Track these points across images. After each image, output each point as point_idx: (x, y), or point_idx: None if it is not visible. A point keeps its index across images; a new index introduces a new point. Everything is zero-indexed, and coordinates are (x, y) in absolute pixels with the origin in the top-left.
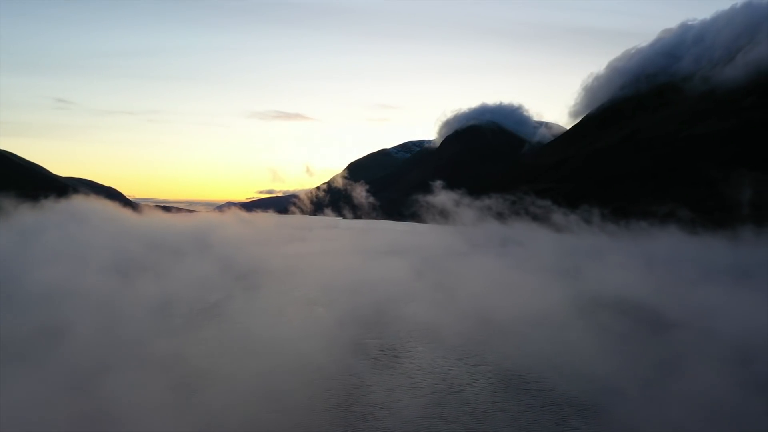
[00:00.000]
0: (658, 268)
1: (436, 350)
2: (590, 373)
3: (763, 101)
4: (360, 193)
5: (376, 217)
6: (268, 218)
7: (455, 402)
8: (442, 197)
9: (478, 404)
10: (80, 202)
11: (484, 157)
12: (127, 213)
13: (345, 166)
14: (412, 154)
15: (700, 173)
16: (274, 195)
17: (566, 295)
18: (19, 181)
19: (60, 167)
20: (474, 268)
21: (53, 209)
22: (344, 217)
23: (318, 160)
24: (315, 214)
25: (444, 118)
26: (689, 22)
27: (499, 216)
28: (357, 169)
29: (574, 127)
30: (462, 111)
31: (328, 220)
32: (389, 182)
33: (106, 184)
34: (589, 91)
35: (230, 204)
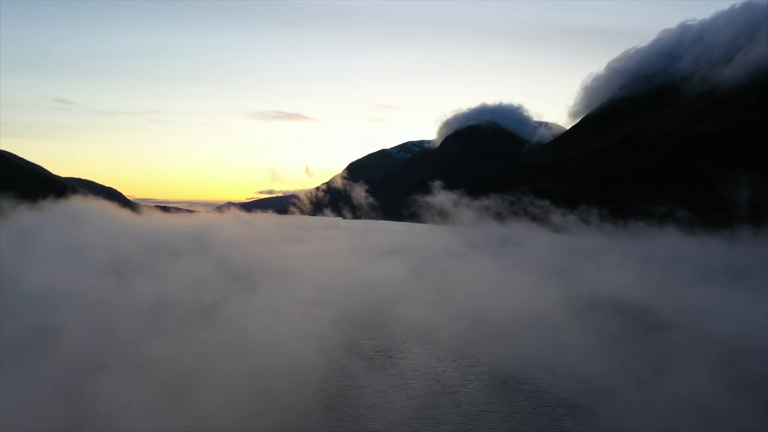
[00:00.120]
0: (656, 268)
1: (431, 351)
2: (584, 374)
3: (762, 101)
4: (359, 193)
5: (376, 218)
6: (268, 218)
7: (448, 403)
8: (441, 197)
9: (471, 406)
10: (79, 202)
11: (484, 157)
12: (125, 213)
13: (345, 166)
14: (411, 154)
15: (699, 173)
16: (273, 195)
17: (563, 296)
18: (18, 182)
19: (60, 167)
20: (472, 268)
21: (51, 210)
22: (344, 217)
23: (318, 161)
24: (314, 215)
25: (444, 118)
26: (688, 23)
27: (498, 216)
28: (356, 170)
29: (573, 127)
30: (462, 111)
31: (328, 220)
32: (389, 182)
33: (106, 184)
34: (589, 92)
35: (230, 204)
